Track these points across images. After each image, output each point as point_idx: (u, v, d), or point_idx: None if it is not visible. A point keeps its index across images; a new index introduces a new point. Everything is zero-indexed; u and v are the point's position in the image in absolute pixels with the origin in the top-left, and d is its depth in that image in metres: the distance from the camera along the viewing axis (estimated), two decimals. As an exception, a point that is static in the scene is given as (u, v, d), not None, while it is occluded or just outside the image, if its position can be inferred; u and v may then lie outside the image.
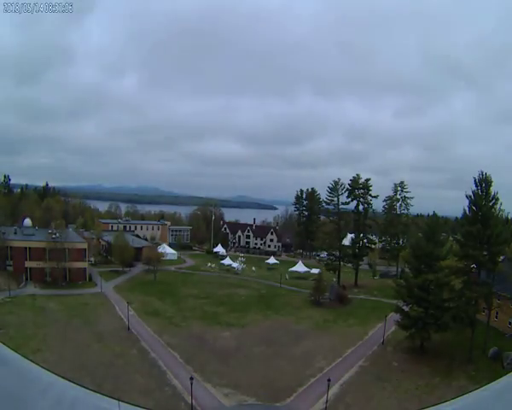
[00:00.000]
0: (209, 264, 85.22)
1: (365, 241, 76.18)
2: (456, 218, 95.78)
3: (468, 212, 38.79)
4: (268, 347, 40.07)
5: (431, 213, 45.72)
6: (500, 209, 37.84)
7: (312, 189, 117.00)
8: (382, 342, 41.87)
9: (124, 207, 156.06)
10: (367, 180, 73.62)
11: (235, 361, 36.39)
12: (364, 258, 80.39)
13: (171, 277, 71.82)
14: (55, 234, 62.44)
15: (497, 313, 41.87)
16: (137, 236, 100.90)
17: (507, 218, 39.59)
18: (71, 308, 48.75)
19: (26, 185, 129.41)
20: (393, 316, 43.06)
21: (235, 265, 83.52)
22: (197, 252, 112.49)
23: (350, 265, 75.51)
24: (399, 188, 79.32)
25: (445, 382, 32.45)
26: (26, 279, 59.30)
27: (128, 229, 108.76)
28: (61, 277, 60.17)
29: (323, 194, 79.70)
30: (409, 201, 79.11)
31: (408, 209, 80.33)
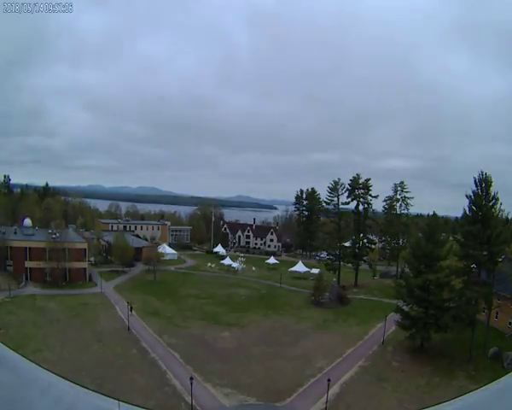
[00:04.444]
0: (209, 264, 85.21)
1: (365, 241, 76.16)
2: (456, 218, 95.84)
3: (468, 212, 38.78)
4: (268, 347, 40.08)
5: (431, 214, 45.71)
6: (500, 209, 37.87)
7: (312, 189, 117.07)
8: (382, 342, 41.86)
9: (124, 207, 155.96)
10: (367, 180, 73.55)
11: (235, 361, 36.39)
12: (365, 258, 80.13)
13: (171, 277, 71.80)
14: (55, 234, 62.48)
15: (497, 313, 41.84)
16: (137, 236, 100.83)
17: (507, 218, 39.58)
18: (71, 308, 48.77)
19: (26, 185, 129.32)
20: (393, 316, 43.06)
21: (235, 265, 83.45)
22: (197, 252, 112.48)
23: (350, 265, 75.42)
24: (399, 188, 79.24)
25: (445, 382, 32.51)
26: (26, 279, 59.30)
27: (128, 229, 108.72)
28: (60, 277, 60.18)
29: (323, 194, 79.82)
30: (409, 201, 79.09)
31: (408, 209, 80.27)
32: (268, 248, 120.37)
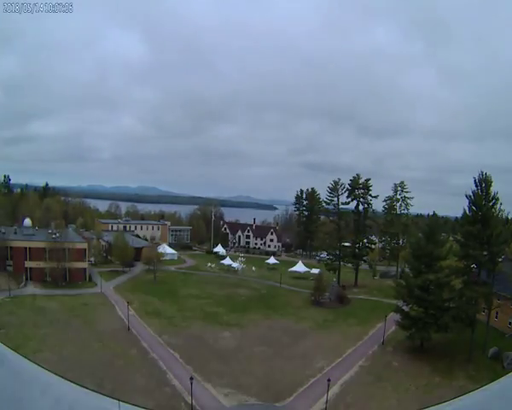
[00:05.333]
0: (209, 264, 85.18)
1: (365, 241, 76.20)
2: (456, 218, 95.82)
3: (468, 212, 38.81)
4: (268, 347, 40.08)
5: (431, 213, 45.75)
6: (500, 209, 37.90)
7: (312, 189, 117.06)
8: (382, 342, 41.87)
9: (124, 207, 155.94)
10: (367, 180, 73.68)
11: (235, 361, 36.40)
12: (365, 258, 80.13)
13: (171, 277, 71.80)
14: (55, 234, 62.50)
15: (497, 313, 41.90)
16: (137, 236, 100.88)
17: (507, 218, 39.59)
18: (71, 308, 48.75)
19: (26, 185, 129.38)
20: (393, 316, 43.09)
21: (235, 265, 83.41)
22: (197, 252, 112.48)
23: (350, 265, 75.49)
24: (399, 188, 79.28)
25: (445, 382, 32.52)
26: (26, 279, 59.28)
27: (128, 229, 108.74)
28: (60, 277, 60.16)
29: (323, 194, 79.88)
30: (409, 201, 79.13)
31: (408, 209, 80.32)
32: (268, 248, 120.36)
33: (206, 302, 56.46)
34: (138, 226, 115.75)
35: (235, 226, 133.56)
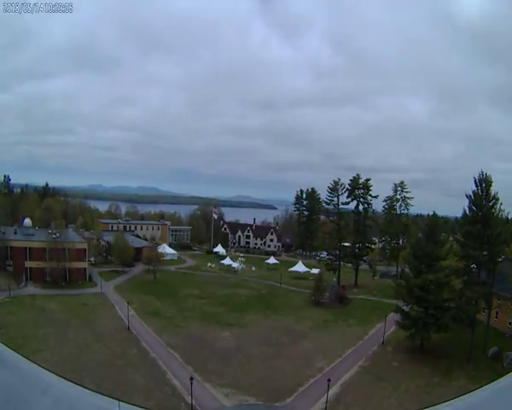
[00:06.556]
0: (209, 264, 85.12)
1: (365, 241, 76.19)
2: (456, 218, 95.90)
3: (468, 212, 38.83)
4: (268, 347, 40.10)
5: (431, 213, 45.77)
6: (500, 209, 37.90)
7: (312, 189, 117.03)
8: (382, 342, 41.87)
9: (124, 207, 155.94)
10: (367, 180, 73.64)
11: (235, 361, 36.42)
12: (365, 258, 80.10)
13: (171, 277, 71.80)
14: (55, 234, 62.45)
15: (497, 313, 41.88)
16: (137, 236, 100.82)
17: (507, 218, 39.60)
18: (71, 308, 48.75)
19: (26, 185, 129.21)
20: (393, 316, 43.09)
21: (235, 265, 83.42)
22: (197, 252, 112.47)
23: (350, 265, 75.50)
24: (399, 188, 79.27)
25: (444, 382, 32.53)
26: (26, 279, 59.23)
27: (128, 229, 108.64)
28: (60, 277, 60.13)
29: (323, 194, 79.90)
30: (409, 201, 79.11)
31: (408, 209, 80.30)
32: (268, 248, 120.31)
33: (206, 302, 56.47)
34: (138, 226, 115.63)
35: (235, 226, 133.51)
